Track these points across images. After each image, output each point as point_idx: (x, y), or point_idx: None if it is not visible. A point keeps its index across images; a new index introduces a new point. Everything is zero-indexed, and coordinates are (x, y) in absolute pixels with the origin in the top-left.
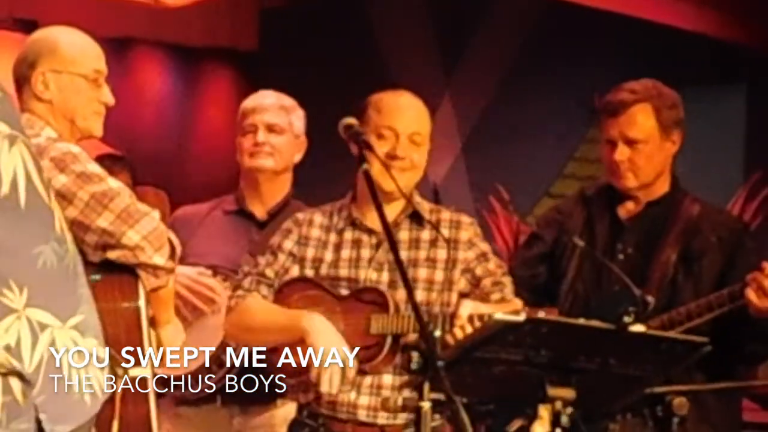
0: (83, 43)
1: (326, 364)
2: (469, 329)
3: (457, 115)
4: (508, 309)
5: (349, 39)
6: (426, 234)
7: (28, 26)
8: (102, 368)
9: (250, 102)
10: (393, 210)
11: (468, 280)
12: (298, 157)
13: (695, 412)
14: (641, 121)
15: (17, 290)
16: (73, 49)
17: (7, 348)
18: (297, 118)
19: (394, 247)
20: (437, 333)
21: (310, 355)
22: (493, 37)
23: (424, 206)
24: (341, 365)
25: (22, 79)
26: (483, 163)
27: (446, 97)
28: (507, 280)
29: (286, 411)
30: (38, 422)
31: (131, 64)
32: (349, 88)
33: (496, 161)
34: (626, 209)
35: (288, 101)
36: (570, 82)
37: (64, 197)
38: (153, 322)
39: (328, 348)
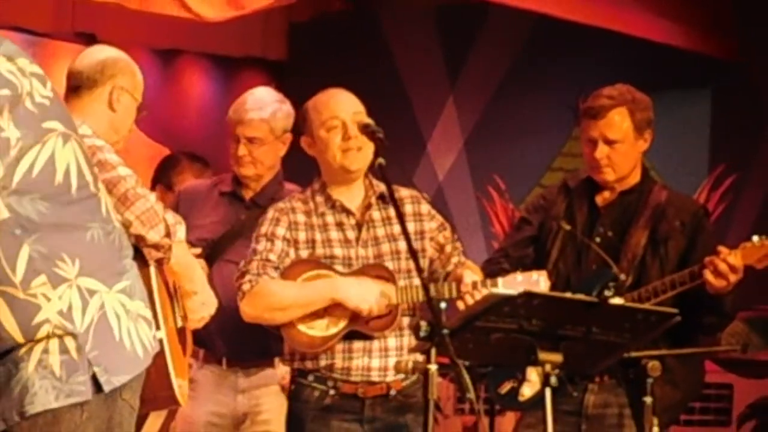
0: (140, 74)
1: (373, 306)
2: (477, 295)
3: (460, 115)
4: (475, 270)
5: (367, 49)
6: (393, 211)
7: (88, 39)
8: (149, 326)
9: (235, 113)
10: (359, 191)
11: (434, 247)
12: (283, 151)
13: (662, 375)
14: (618, 123)
15: (70, 262)
16: (140, 78)
17: (60, 312)
18: (278, 121)
19: (403, 226)
20: (443, 305)
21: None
22: (491, 48)
23: (381, 187)
24: (385, 303)
25: (89, 81)
26: (483, 158)
27: (450, 100)
28: (459, 245)
29: (283, 369)
30: (93, 374)
31: (177, 71)
32: (366, 92)
33: (494, 156)
34: (603, 197)
35: (269, 109)
36: (558, 86)
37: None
38: (180, 292)
39: (371, 302)
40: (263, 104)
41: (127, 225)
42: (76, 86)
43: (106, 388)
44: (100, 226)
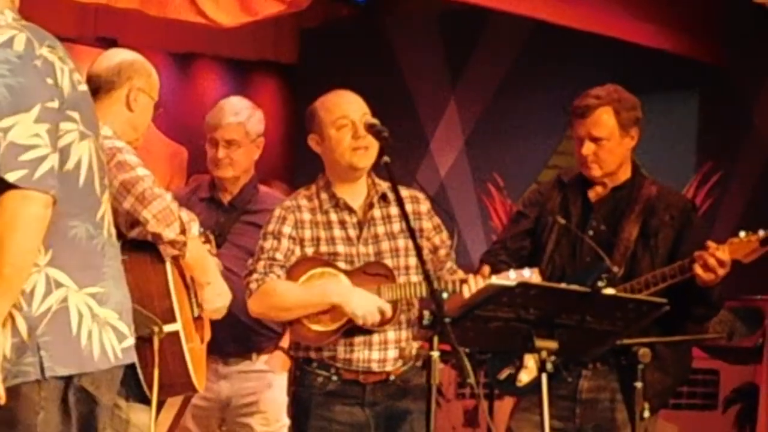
0: (156, 74)
1: (368, 317)
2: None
3: (461, 116)
4: (459, 276)
5: (373, 53)
6: (394, 210)
7: (109, 44)
8: (119, 338)
9: (213, 118)
10: (362, 190)
11: (428, 247)
12: (257, 155)
13: (653, 361)
14: (604, 121)
15: (43, 250)
16: (156, 78)
17: (23, 292)
18: (253, 125)
19: (408, 224)
20: (445, 295)
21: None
22: (491, 53)
23: (383, 186)
24: (379, 316)
25: (107, 84)
26: (482, 156)
27: (452, 102)
28: (452, 252)
29: (259, 360)
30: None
31: (193, 74)
32: (372, 94)
33: (493, 154)
34: (595, 192)
35: (244, 113)
36: (554, 88)
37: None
38: (195, 284)
39: (365, 311)
40: (239, 110)
41: (144, 223)
42: (95, 89)
43: (47, 374)
44: (86, 228)
